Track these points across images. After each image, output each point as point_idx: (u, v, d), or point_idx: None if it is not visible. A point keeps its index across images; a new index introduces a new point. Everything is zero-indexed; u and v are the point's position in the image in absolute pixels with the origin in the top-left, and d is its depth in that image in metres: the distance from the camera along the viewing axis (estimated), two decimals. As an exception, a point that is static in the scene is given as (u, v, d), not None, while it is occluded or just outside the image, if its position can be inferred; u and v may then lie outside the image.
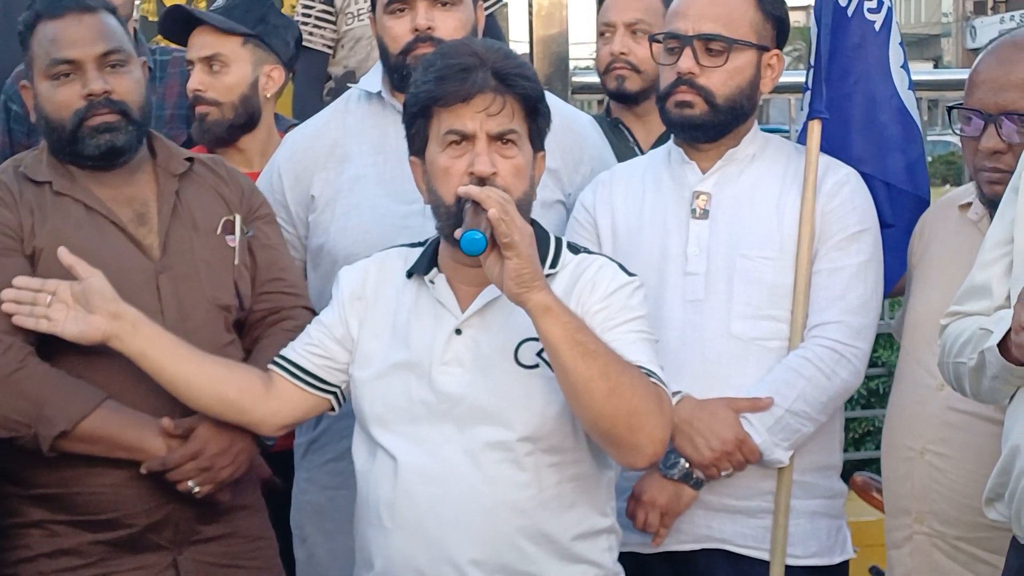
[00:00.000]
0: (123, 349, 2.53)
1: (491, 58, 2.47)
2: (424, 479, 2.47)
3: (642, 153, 3.70)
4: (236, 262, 2.85)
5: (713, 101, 2.93)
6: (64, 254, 2.51)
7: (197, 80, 3.54)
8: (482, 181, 2.41)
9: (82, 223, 2.74)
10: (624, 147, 3.73)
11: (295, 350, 2.60)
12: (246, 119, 3.55)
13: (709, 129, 2.96)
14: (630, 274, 2.57)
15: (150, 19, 4.87)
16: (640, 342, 2.48)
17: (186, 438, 2.67)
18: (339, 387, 2.61)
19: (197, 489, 2.68)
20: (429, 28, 3.03)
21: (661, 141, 3.68)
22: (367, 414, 2.55)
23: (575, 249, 2.59)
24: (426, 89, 2.47)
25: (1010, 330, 2.24)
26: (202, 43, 3.56)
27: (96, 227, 2.75)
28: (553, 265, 2.52)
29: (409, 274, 2.57)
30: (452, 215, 2.44)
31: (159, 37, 4.68)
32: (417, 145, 2.54)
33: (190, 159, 2.90)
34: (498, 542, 2.46)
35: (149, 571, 2.72)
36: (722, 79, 2.93)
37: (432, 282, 2.53)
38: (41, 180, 2.75)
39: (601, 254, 2.69)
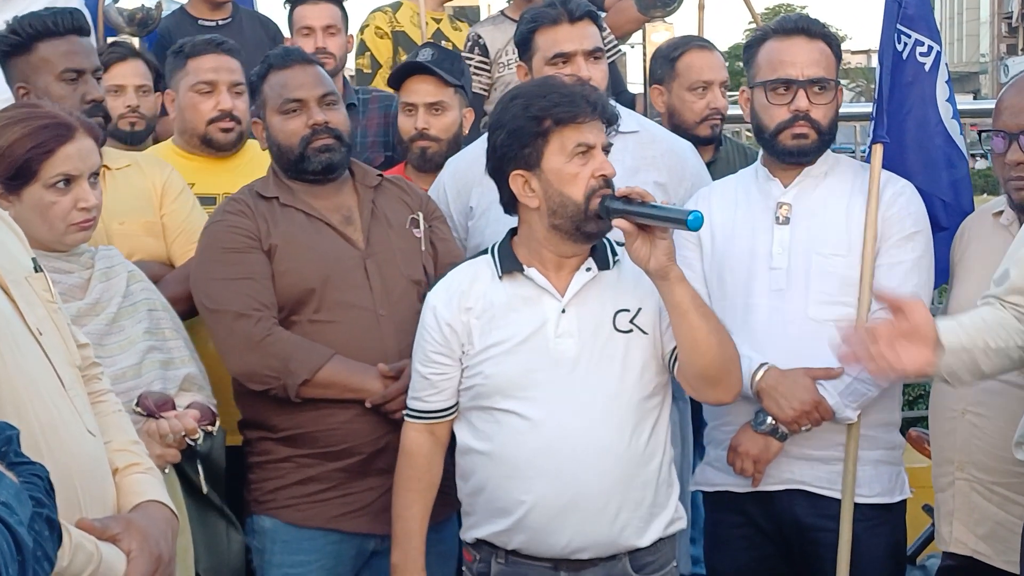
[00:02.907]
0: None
1: (588, 89, 2.60)
2: (558, 431, 2.51)
3: None
4: (423, 248, 2.98)
5: (821, 130, 2.96)
6: None
7: (424, 121, 3.60)
8: (607, 181, 2.50)
9: (304, 225, 2.90)
10: None
11: (423, 400, 2.65)
12: (456, 150, 3.60)
13: (815, 153, 2.99)
14: None
15: (365, 72, 5.00)
16: None
17: (397, 378, 2.78)
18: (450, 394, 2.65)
19: None
20: (589, 79, 3.04)
21: (710, 166, 3.72)
22: (489, 388, 2.56)
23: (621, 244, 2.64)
24: (558, 111, 2.49)
25: None
26: (427, 91, 3.61)
27: (315, 228, 2.90)
28: (615, 254, 2.61)
29: (501, 276, 2.60)
30: (582, 211, 2.49)
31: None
32: (531, 161, 2.52)
33: (380, 176, 3.04)
34: (625, 473, 2.54)
35: (376, 491, 2.85)
36: (824, 112, 2.96)
37: (530, 275, 2.57)
38: (270, 196, 2.92)
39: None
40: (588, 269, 2.59)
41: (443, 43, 4.79)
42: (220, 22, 4.70)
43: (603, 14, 4.95)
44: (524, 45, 3.27)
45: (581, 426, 2.52)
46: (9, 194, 2.55)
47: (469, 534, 2.69)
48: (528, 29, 3.25)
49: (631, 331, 2.57)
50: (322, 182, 2.95)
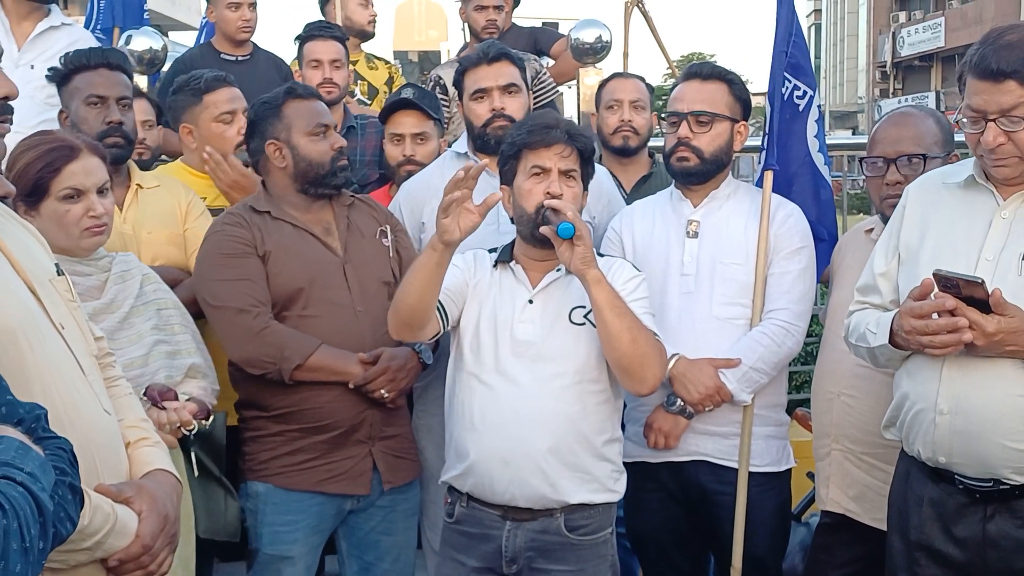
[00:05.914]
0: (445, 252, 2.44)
1: (564, 123, 2.66)
2: (507, 396, 2.57)
3: (625, 192, 3.73)
4: (391, 255, 2.98)
5: (702, 156, 2.99)
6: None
7: (410, 149, 3.62)
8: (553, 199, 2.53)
9: (292, 235, 2.89)
10: None
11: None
12: None
13: (699, 175, 3.02)
14: (639, 270, 2.72)
15: (363, 98, 4.95)
16: (645, 315, 2.60)
17: (375, 363, 2.79)
18: (448, 317, 2.63)
19: (387, 395, 2.80)
20: (503, 108, 3.13)
21: (641, 183, 3.80)
22: (465, 352, 2.63)
23: (600, 255, 2.68)
24: (521, 137, 2.61)
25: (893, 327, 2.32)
26: (413, 123, 3.63)
27: (301, 237, 2.90)
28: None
29: (495, 264, 2.68)
30: (532, 220, 2.57)
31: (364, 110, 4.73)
32: (507, 178, 2.65)
33: (352, 196, 3.05)
34: (558, 441, 2.56)
35: (354, 459, 2.86)
36: (708, 141, 2.99)
37: (513, 268, 2.66)
38: (262, 210, 2.91)
39: (619, 257, 2.81)
40: (558, 270, 2.64)
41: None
42: (240, 58, 4.61)
43: (552, 61, 5.02)
44: (458, 86, 3.30)
45: (525, 395, 2.57)
46: (30, 209, 2.55)
47: (442, 479, 2.75)
48: (459, 72, 3.28)
49: (583, 324, 2.60)
50: (327, 196, 2.96)
